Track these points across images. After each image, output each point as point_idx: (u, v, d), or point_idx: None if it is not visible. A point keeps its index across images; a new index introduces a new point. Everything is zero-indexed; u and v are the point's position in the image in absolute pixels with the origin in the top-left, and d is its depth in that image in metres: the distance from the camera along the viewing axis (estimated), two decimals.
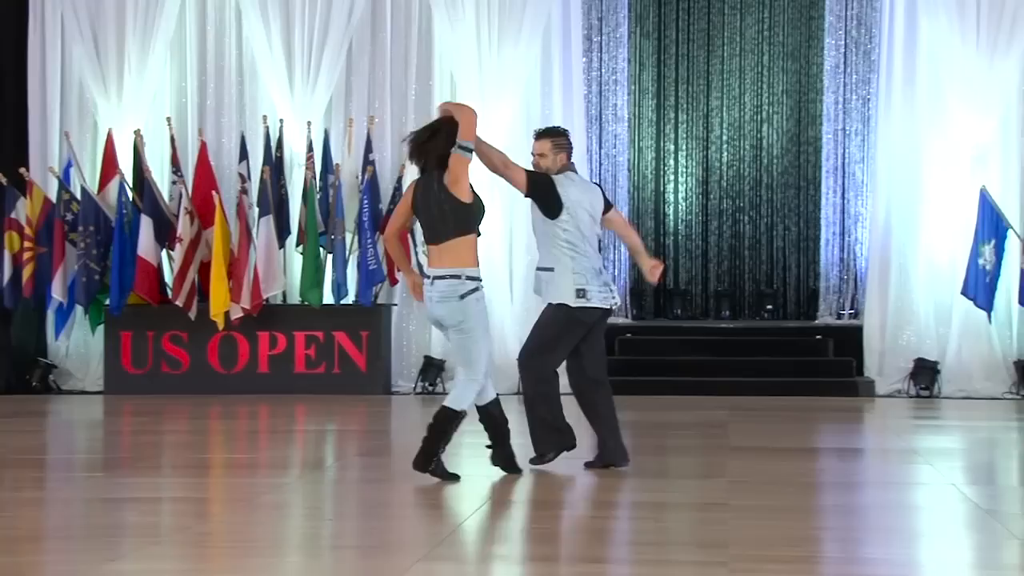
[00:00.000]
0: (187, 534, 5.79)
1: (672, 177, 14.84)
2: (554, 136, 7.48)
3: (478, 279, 6.89)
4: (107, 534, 5.79)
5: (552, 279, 7.23)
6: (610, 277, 7.41)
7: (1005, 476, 8.01)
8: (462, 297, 6.80)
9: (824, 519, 6.34)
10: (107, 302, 12.51)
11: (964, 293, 12.09)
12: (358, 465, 8.09)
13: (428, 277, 6.90)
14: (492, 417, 7.05)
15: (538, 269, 7.38)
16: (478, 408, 7.03)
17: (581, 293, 7.15)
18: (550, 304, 7.26)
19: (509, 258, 12.83)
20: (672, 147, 14.80)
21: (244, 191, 12.56)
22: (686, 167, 14.83)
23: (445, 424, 6.85)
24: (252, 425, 10.60)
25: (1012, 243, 12.06)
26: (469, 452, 8.50)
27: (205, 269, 12.47)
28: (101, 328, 12.77)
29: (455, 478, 6.90)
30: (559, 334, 7.22)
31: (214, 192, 12.56)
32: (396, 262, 7.20)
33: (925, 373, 12.21)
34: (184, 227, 12.42)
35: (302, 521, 6.31)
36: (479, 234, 7.01)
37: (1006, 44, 12.29)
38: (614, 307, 7.33)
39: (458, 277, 6.82)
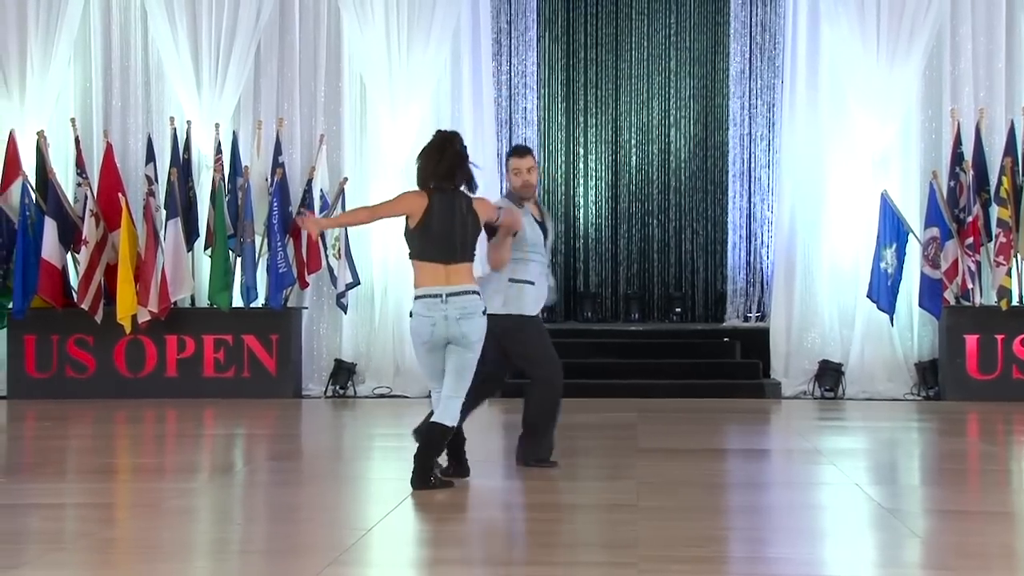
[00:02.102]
0: (91, 540, 5.69)
1: (582, 181, 14.94)
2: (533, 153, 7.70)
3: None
4: (8, 541, 5.66)
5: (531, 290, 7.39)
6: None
7: (907, 476, 8.17)
8: (483, 314, 6.78)
9: (731, 519, 6.40)
10: (10, 306, 12.25)
11: (868, 296, 12.31)
12: (267, 469, 8.01)
13: (438, 296, 6.71)
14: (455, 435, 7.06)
15: (512, 281, 7.36)
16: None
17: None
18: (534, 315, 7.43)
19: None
20: (582, 151, 14.90)
21: (151, 193, 12.38)
22: (595, 171, 14.94)
23: (438, 439, 6.79)
24: (159, 429, 10.45)
25: (912, 247, 12.30)
26: (380, 455, 8.47)
27: (111, 272, 12.27)
28: (4, 332, 12.50)
29: (451, 484, 6.86)
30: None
31: (120, 194, 12.37)
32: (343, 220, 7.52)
33: (829, 375, 12.39)
34: (89, 229, 12.21)
35: (210, 526, 6.24)
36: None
37: (905, 52, 12.53)
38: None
39: (477, 293, 6.79)
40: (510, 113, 14.21)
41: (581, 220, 14.85)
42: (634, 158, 14.90)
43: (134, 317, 12.08)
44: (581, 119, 14.90)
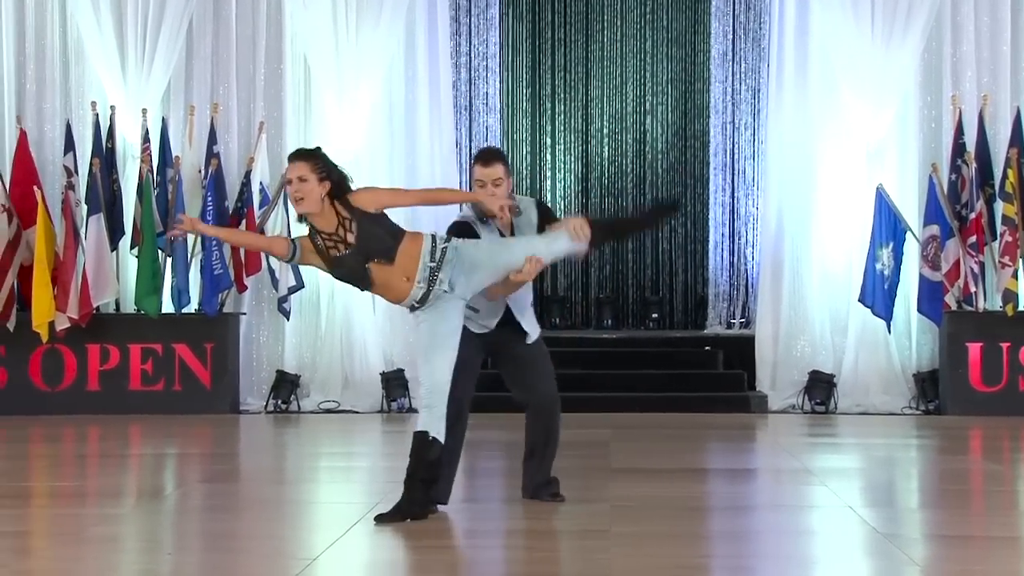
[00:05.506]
0: (4, 572, 5.65)
1: (549, 173, 14.97)
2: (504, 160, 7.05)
3: None
4: None
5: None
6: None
7: (904, 498, 8.24)
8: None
9: (713, 546, 6.44)
10: None
11: (861, 300, 12.38)
12: (201, 493, 7.98)
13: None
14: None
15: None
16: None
17: None
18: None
19: None
20: (549, 140, 14.93)
21: (71, 186, 12.32)
22: (564, 162, 14.98)
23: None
24: (80, 449, 10.39)
25: (910, 246, 12.39)
26: (326, 477, 8.47)
27: (26, 274, 12.20)
28: None
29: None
30: None
31: (36, 187, 12.29)
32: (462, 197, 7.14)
33: (820, 387, 12.47)
34: (1, 227, 12.13)
35: (137, 556, 6.21)
36: None
37: (902, 33, 12.63)
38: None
39: None
40: (470, 98, 14.24)
41: None
42: (606, 149, 14.95)
43: (51, 324, 12.01)
44: (548, 105, 14.94)
